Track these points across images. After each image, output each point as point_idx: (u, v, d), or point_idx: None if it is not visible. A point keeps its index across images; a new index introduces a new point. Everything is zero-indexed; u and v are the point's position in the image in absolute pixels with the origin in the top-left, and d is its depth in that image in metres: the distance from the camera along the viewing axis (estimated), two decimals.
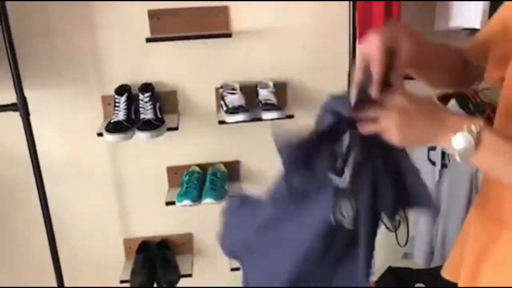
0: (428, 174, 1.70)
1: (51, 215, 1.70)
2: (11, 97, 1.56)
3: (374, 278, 1.49)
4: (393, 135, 0.72)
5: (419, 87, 0.93)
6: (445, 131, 0.71)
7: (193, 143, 1.88)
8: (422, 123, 0.71)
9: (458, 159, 0.71)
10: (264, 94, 1.74)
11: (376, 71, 0.73)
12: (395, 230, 2.05)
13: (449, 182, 1.64)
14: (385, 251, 2.08)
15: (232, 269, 1.87)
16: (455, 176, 1.62)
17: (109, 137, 1.63)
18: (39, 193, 1.65)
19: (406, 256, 1.84)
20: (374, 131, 0.73)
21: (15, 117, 1.57)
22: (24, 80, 1.55)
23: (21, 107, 1.55)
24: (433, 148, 1.68)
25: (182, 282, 1.85)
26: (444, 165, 1.65)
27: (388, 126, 0.71)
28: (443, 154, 1.65)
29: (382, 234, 2.25)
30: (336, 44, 1.75)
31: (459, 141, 0.70)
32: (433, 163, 1.69)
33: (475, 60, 0.91)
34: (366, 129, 0.74)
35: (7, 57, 1.49)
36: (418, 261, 1.79)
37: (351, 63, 1.60)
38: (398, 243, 2.05)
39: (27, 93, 1.56)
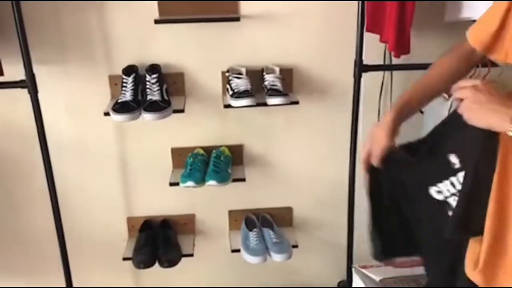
0: None
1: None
2: (17, 72, 1.57)
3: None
4: (465, 109, 0.90)
5: None
6: (505, 115, 0.85)
7: (198, 126, 1.90)
8: (488, 104, 0.88)
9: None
10: (270, 79, 1.75)
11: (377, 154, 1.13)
12: None
13: None
14: None
15: (233, 251, 1.91)
16: None
17: (115, 117, 1.64)
18: (45, 169, 1.68)
19: None
20: (459, 97, 0.93)
21: (23, 93, 1.59)
22: (32, 57, 1.56)
23: (30, 84, 1.56)
24: None
25: (183, 261, 1.89)
26: None
27: (465, 101, 0.91)
28: None
29: None
30: (343, 31, 1.75)
31: None
32: None
33: (487, 51, 1.06)
34: (456, 95, 0.94)
35: (17, 35, 1.50)
36: None
37: (359, 51, 1.60)
38: None
39: (34, 69, 1.57)
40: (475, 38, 1.09)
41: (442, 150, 1.06)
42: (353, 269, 1.77)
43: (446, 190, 1.06)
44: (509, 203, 0.97)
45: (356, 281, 1.72)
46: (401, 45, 1.56)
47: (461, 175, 1.02)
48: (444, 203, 1.07)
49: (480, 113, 0.89)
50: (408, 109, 1.15)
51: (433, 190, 1.09)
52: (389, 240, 1.19)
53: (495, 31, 1.03)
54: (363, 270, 1.62)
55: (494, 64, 1.61)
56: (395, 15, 1.52)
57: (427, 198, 1.09)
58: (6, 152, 1.88)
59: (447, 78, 1.14)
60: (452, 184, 1.04)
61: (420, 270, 1.91)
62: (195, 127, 1.90)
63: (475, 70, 1.59)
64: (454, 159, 1.03)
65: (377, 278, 1.68)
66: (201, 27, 1.75)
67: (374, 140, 1.13)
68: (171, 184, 1.82)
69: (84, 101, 1.82)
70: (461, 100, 0.92)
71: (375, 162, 1.13)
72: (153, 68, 1.75)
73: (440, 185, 1.07)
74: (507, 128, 0.85)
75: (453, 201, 1.04)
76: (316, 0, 1.75)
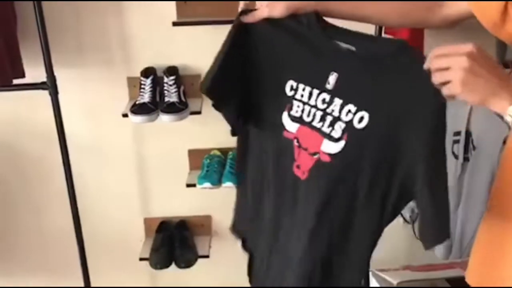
0: (451, 167, 1.69)
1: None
2: (36, 74, 1.60)
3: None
4: (457, 82, 0.74)
5: None
6: (504, 93, 0.73)
7: (215, 127, 1.89)
8: (487, 77, 0.74)
9: (510, 124, 0.74)
10: None
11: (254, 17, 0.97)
12: (413, 223, 2.05)
13: (469, 175, 1.63)
14: (404, 243, 2.07)
15: None
16: (476, 170, 1.60)
17: (134, 118, 1.66)
18: (65, 170, 1.70)
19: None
20: (444, 80, 0.76)
21: (43, 95, 1.61)
22: (52, 59, 1.59)
23: (51, 86, 1.59)
24: (457, 141, 1.67)
25: (199, 262, 1.89)
26: (466, 159, 1.64)
27: (456, 72, 0.74)
28: (466, 148, 1.63)
29: (400, 227, 2.26)
30: None
31: None
32: (456, 157, 1.67)
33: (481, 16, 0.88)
34: (437, 79, 0.77)
35: (39, 36, 1.52)
36: (437, 254, 1.79)
37: None
38: (415, 235, 2.04)
39: (55, 71, 1.60)
40: (480, 11, 0.87)
41: (325, 66, 0.92)
42: (370, 273, 1.76)
43: (303, 94, 0.94)
44: (507, 212, 0.90)
45: (373, 284, 1.71)
46: (415, 45, 1.55)
47: (338, 103, 0.89)
48: (291, 99, 0.95)
49: (476, 87, 0.74)
50: (325, 9, 0.97)
51: (289, 85, 0.96)
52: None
53: (505, 5, 0.82)
54: (380, 274, 1.61)
55: None
56: None
57: (278, 89, 0.96)
58: (26, 153, 1.91)
59: (398, 12, 0.96)
60: (310, 95, 0.92)
61: (437, 274, 1.89)
62: (212, 129, 1.90)
63: None
64: (332, 79, 0.91)
65: (394, 282, 1.66)
66: (219, 29, 1.75)
67: (269, 4, 0.96)
68: (188, 186, 1.83)
69: (103, 102, 1.85)
70: (437, 69, 0.77)
71: (254, 18, 0.98)
72: (171, 70, 1.76)
73: (300, 85, 0.94)
74: (507, 111, 0.73)
75: (306, 115, 0.93)
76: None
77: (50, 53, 1.56)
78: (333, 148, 0.91)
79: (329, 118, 0.91)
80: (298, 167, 0.97)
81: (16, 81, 1.62)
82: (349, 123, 0.89)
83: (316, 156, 0.93)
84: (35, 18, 1.50)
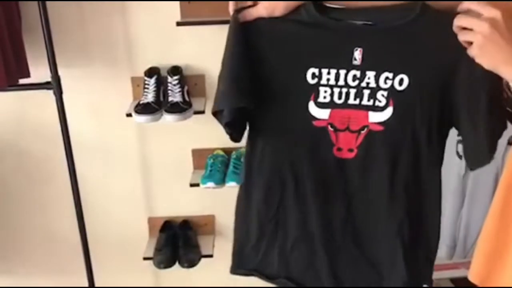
0: (455, 167, 1.68)
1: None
2: (40, 74, 1.61)
3: None
4: (475, 45, 0.78)
5: None
6: None
7: (219, 127, 1.88)
8: (504, 46, 0.76)
9: None
10: None
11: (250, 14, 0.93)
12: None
13: (473, 175, 1.62)
14: None
15: None
16: (480, 170, 1.60)
17: (138, 118, 1.67)
18: (69, 169, 1.71)
19: None
20: (465, 40, 0.80)
21: (47, 95, 1.62)
22: (56, 59, 1.59)
23: (55, 86, 1.60)
24: (461, 141, 1.66)
25: (203, 262, 1.89)
26: None
27: (476, 35, 0.77)
28: None
29: None
30: None
31: None
32: (460, 157, 1.67)
33: None
34: (460, 37, 0.81)
35: (43, 37, 1.53)
36: (440, 254, 1.78)
37: None
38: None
39: (59, 71, 1.61)
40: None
41: (346, 44, 0.91)
42: None
43: (329, 77, 0.92)
44: None
45: None
46: None
47: (371, 75, 0.90)
48: (316, 87, 0.93)
49: (491, 54, 0.77)
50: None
51: (310, 73, 0.93)
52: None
53: None
54: None
55: None
56: None
57: (298, 81, 0.94)
58: (30, 152, 1.92)
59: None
60: (337, 76, 0.92)
61: (441, 274, 1.88)
62: (215, 129, 1.87)
63: None
64: (358, 55, 0.91)
65: None
66: (222, 29, 1.75)
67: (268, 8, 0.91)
68: (192, 185, 1.84)
69: (106, 102, 1.85)
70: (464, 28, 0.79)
71: (250, 16, 0.93)
72: (175, 70, 1.77)
73: (324, 70, 0.92)
74: None
75: (336, 95, 0.93)
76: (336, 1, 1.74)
77: (54, 52, 1.57)
78: (382, 116, 0.93)
79: (366, 92, 0.92)
80: (339, 149, 0.97)
81: (20, 81, 1.63)
82: (391, 89, 0.91)
83: (364, 131, 0.95)
84: (40, 17, 1.51)
